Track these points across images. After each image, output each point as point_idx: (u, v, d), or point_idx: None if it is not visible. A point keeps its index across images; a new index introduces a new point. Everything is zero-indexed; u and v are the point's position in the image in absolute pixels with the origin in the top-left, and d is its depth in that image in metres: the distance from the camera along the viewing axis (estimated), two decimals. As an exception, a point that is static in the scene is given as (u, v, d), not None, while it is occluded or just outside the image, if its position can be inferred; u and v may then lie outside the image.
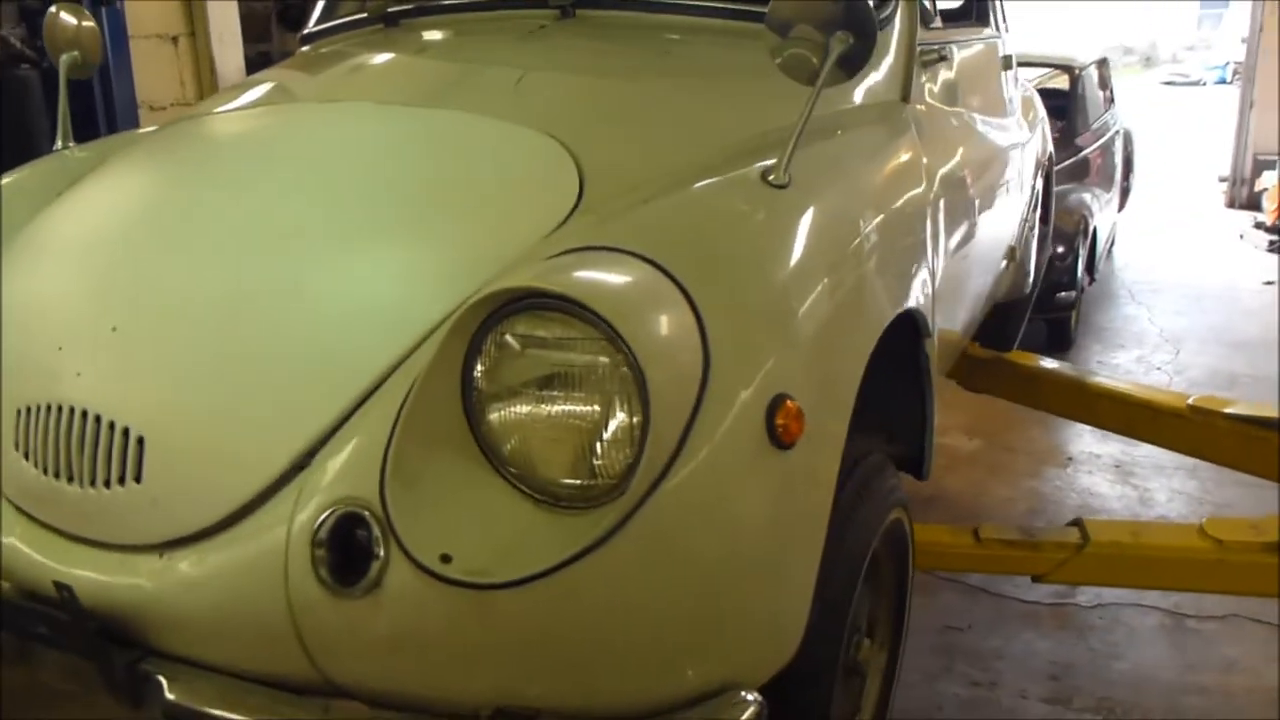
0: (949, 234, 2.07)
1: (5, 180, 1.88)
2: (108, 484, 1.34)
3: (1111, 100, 7.07)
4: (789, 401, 1.27)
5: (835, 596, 1.52)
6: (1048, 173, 3.61)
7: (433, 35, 2.13)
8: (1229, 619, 3.03)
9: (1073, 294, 5.36)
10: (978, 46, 2.67)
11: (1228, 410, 2.70)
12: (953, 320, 2.34)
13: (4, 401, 1.46)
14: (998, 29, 2.92)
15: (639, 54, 1.90)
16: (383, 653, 1.22)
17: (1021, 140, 2.96)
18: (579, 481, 1.22)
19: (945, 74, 2.23)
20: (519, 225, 1.43)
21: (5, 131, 2.72)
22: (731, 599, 1.27)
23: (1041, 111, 3.59)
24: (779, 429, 1.26)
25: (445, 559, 1.17)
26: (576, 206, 1.46)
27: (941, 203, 1.98)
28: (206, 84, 4.03)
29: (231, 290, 1.41)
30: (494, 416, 1.24)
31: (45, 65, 2.93)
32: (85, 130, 2.72)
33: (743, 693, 1.27)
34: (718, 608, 1.26)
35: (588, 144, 1.55)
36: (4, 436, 1.45)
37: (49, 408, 1.39)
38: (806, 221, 1.46)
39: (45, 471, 1.40)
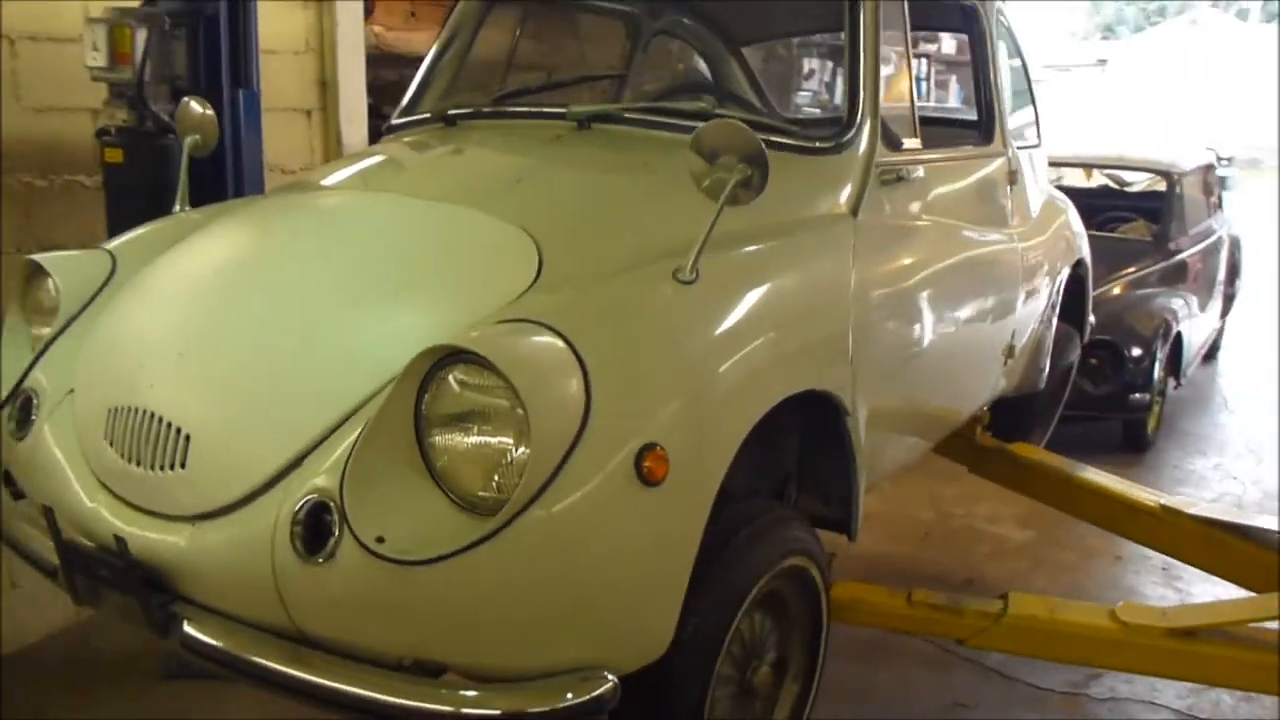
0: (891, 330, 2.44)
1: (130, 235, 2.49)
2: (163, 468, 1.86)
3: (1218, 206, 7.16)
4: (658, 449, 1.68)
5: (714, 615, 1.91)
6: (1077, 275, 3.89)
7: (476, 136, 2.65)
8: (1240, 725, 3.18)
9: (1147, 396, 5.50)
10: (965, 163, 3.04)
11: (1192, 511, 2.92)
12: (913, 406, 2.68)
13: (99, 402, 2.00)
14: (1006, 145, 3.27)
15: (624, 162, 2.37)
16: (334, 608, 1.68)
17: (1024, 246, 3.28)
18: (485, 494, 1.66)
19: (907, 191, 2.60)
20: (483, 298, 1.89)
21: (149, 190, 3.35)
22: (597, 596, 1.67)
23: (1066, 215, 3.88)
24: (646, 469, 1.67)
25: (380, 540, 1.62)
26: (532, 286, 1.92)
27: (876, 302, 2.36)
28: (333, 152, 4.70)
29: (262, 333, 1.93)
30: (434, 439, 1.70)
31: (186, 138, 3.57)
32: (216, 188, 3.36)
33: (604, 672, 1.67)
34: (585, 601, 1.66)
35: (553, 236, 2.02)
36: (97, 429, 1.99)
37: (129, 409, 1.93)
38: (703, 311, 1.88)
39: (122, 456, 1.92)
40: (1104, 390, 5.48)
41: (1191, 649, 2.42)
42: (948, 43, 9.59)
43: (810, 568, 2.20)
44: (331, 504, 1.67)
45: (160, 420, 1.87)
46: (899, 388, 2.57)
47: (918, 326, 2.59)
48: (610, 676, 1.67)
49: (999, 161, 3.22)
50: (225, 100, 3.59)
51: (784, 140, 2.43)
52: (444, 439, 1.69)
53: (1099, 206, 6.90)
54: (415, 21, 7.00)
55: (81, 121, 3.74)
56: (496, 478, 1.65)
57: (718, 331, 1.89)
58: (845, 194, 2.40)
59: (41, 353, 2.22)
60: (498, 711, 1.60)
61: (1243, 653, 2.39)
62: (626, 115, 2.49)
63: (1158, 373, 5.57)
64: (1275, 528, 2.86)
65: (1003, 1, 3.42)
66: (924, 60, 8.45)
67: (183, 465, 1.84)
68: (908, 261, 2.57)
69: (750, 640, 2.11)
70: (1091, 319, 4.39)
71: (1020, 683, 3.44)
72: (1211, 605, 2.81)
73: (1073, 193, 7.12)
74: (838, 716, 3.08)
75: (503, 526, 1.59)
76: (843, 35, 2.54)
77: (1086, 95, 14.98)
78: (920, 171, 2.64)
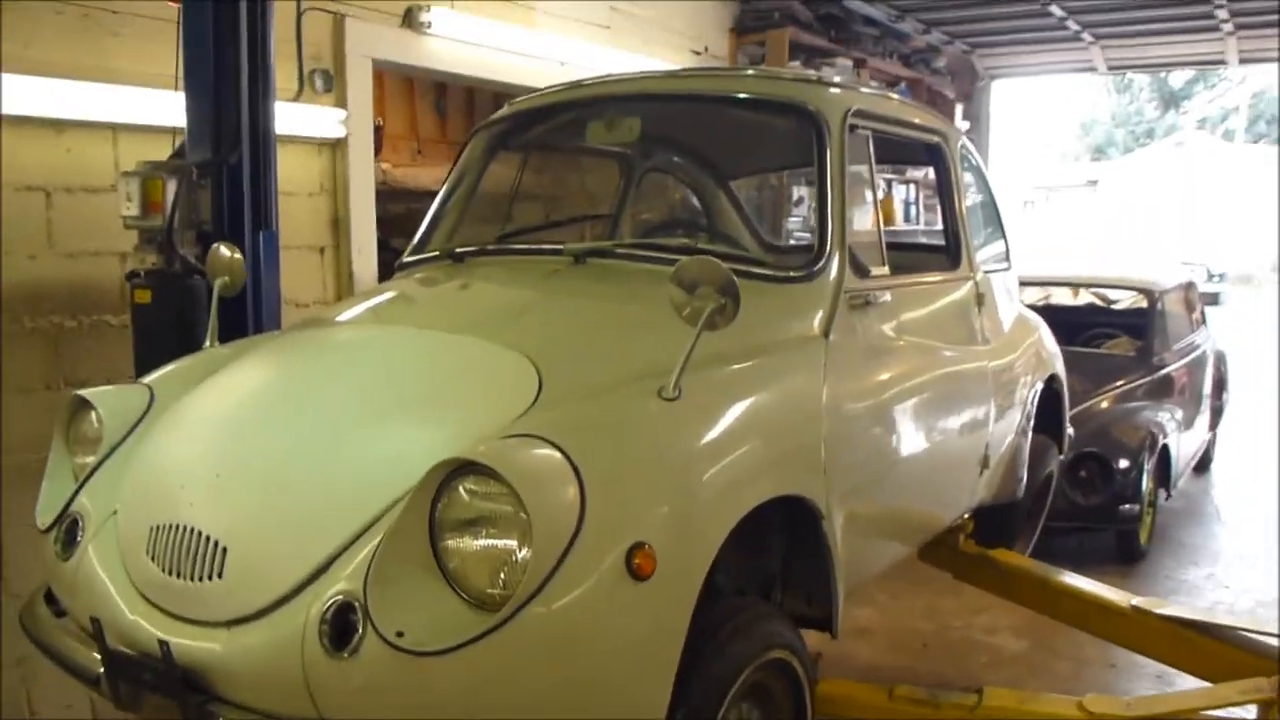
0: (864, 440, 2.70)
1: (165, 370, 2.77)
2: (201, 579, 2.09)
3: (1201, 322, 7.48)
4: (646, 547, 1.92)
5: (702, 703, 2.12)
6: (1052, 389, 4.16)
7: (481, 272, 2.96)
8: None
9: (1136, 507, 5.71)
10: (932, 288, 3.34)
11: (1159, 611, 3.13)
12: (890, 512, 2.92)
13: (142, 521, 2.25)
14: (972, 269, 3.58)
15: (614, 293, 2.67)
16: (358, 698, 1.89)
17: (993, 362, 3.56)
18: (492, 591, 1.89)
19: (876, 314, 2.89)
20: (489, 416, 2.15)
21: (175, 327, 3.65)
22: (593, 682, 1.89)
23: (1038, 334, 4.18)
24: (636, 566, 1.90)
25: (400, 634, 1.85)
26: (533, 405, 2.19)
27: (848, 415, 2.62)
28: (344, 286, 5.04)
29: (289, 454, 2.19)
30: (446, 542, 1.93)
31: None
32: (238, 322, 3.65)
33: (598, 756, 1.87)
34: (582, 687, 1.88)
35: (551, 361, 2.30)
36: (140, 545, 2.23)
37: (171, 526, 2.17)
38: (685, 423, 2.15)
39: (163, 569, 2.16)
40: (1094, 501, 5.69)
41: (1151, 737, 2.61)
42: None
43: (793, 661, 2.41)
44: (356, 604, 1.90)
45: (200, 535, 2.11)
46: (874, 494, 2.81)
47: (890, 438, 2.85)
48: None
49: (966, 284, 3.53)
50: (247, 242, 3.92)
51: (760, 271, 2.73)
52: (455, 542, 1.93)
53: (1084, 324, 7.23)
54: (421, 158, 7.47)
55: (109, 265, 4.08)
56: (503, 576, 1.88)
57: (699, 442, 2.15)
58: (817, 318, 2.69)
59: (86, 479, 2.48)
60: None
61: (1198, 742, 2.59)
62: (617, 251, 2.80)
63: (1146, 484, 5.79)
64: (1236, 624, 3.05)
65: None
66: (912, 185, 8.91)
67: (219, 575, 2.07)
68: (878, 378, 2.84)
69: (738, 728, 2.31)
70: (1070, 430, 4.64)
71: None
72: (1170, 695, 3.00)
73: (1059, 310, 7.51)
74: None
75: (507, 619, 1.82)
76: (812, 172, 2.87)
77: (1077, 215, 15.56)
78: (887, 296, 2.94)
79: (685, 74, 3.19)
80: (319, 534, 2.03)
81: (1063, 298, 7.64)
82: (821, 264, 2.74)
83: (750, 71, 3.21)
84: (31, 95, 3.86)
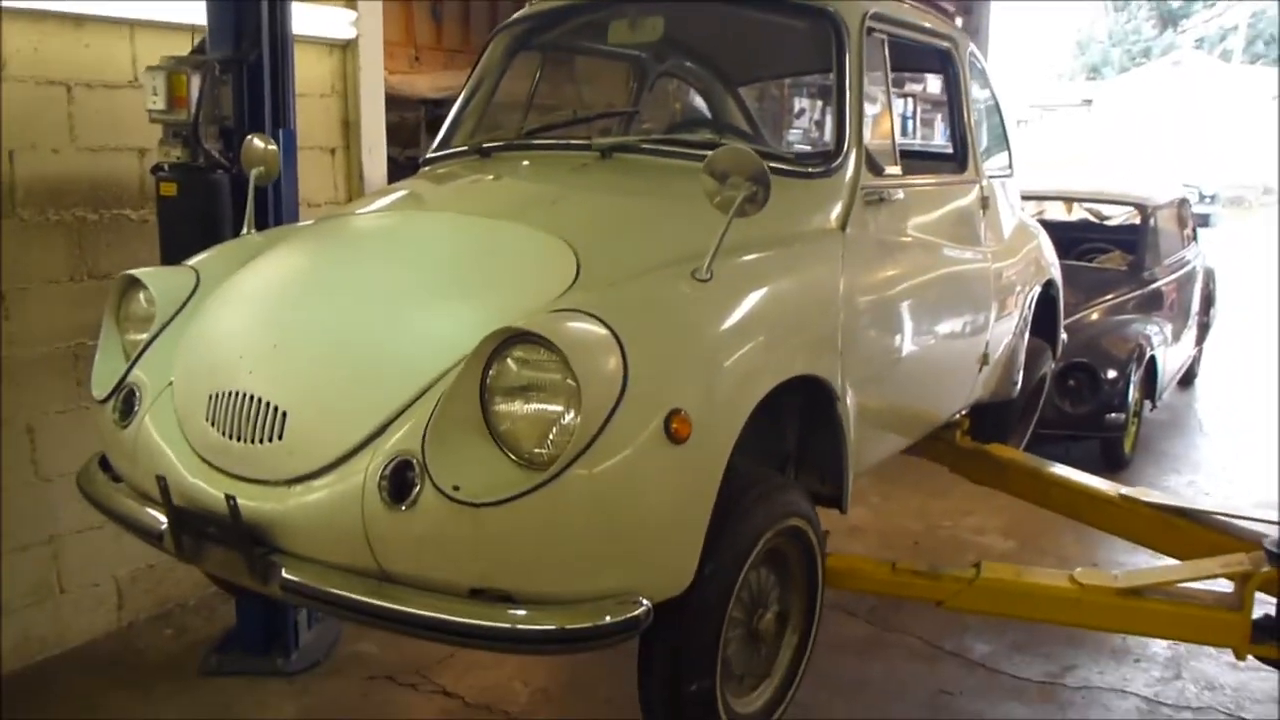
0: (875, 330, 2.89)
1: (206, 254, 2.92)
2: (262, 441, 2.26)
3: (1192, 238, 7.66)
4: (682, 413, 2.10)
5: (728, 559, 2.33)
6: (1049, 295, 4.35)
7: (509, 165, 3.10)
8: (1204, 710, 3.56)
9: (1122, 416, 5.94)
10: (941, 189, 3.50)
11: (1147, 499, 3.36)
12: (895, 401, 3.12)
13: (201, 390, 2.41)
14: (978, 174, 3.74)
15: (644, 184, 2.82)
16: (416, 548, 2.08)
17: (995, 264, 3.74)
18: (541, 451, 2.07)
19: (889, 211, 3.06)
20: (532, 295, 2.32)
21: (199, 220, 3.77)
22: (632, 534, 2.08)
23: (1037, 240, 4.35)
24: (674, 430, 2.09)
25: (455, 488, 2.03)
26: (573, 285, 2.35)
27: (862, 305, 2.80)
28: (355, 187, 5.15)
29: (344, 326, 2.35)
30: (497, 407, 2.11)
31: (235, 172, 4.01)
32: (259, 216, 3.78)
33: (640, 598, 2.07)
34: (621, 539, 2.07)
35: (588, 245, 2.46)
36: (199, 412, 2.39)
37: (230, 393, 2.34)
38: (716, 303, 2.32)
39: (223, 434, 2.33)
40: (1081, 410, 5.91)
41: (1138, 605, 2.84)
42: (934, 83, 10.18)
43: (808, 530, 2.62)
44: (414, 461, 2.08)
45: (260, 400, 2.28)
46: (883, 383, 3.00)
47: (899, 329, 3.04)
48: (644, 601, 2.07)
49: (972, 188, 3.69)
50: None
51: (784, 166, 2.88)
52: (506, 407, 2.10)
53: (1078, 239, 7.41)
54: (419, 66, 7.50)
55: (129, 160, 4.18)
56: (550, 438, 2.06)
57: (730, 320, 2.32)
58: (835, 212, 2.85)
59: (141, 353, 2.64)
60: (548, 627, 2.00)
61: (1179, 608, 2.82)
62: (643, 146, 2.94)
63: (1132, 394, 6.01)
64: (1217, 510, 3.28)
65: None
66: (910, 99, 8.99)
67: (280, 437, 2.24)
68: (890, 273, 3.02)
69: (757, 590, 2.53)
70: (1064, 336, 4.84)
71: (1002, 674, 3.83)
72: (1154, 569, 3.24)
73: (1054, 225, 7.66)
74: (834, 703, 3.49)
75: (555, 476, 2.00)
76: (830, 75, 3.01)
77: (1072, 134, 15.65)
78: (900, 194, 3.10)
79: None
80: (375, 399, 2.20)
81: (1057, 213, 7.80)
82: (839, 160, 2.89)
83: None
84: (49, -13, 3.92)
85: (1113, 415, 5.93)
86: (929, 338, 3.24)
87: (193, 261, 2.88)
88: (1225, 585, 2.99)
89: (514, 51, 3.57)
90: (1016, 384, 4.09)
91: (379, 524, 2.10)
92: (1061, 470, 3.81)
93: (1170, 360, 6.76)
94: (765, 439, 2.81)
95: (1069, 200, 7.69)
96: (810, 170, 2.90)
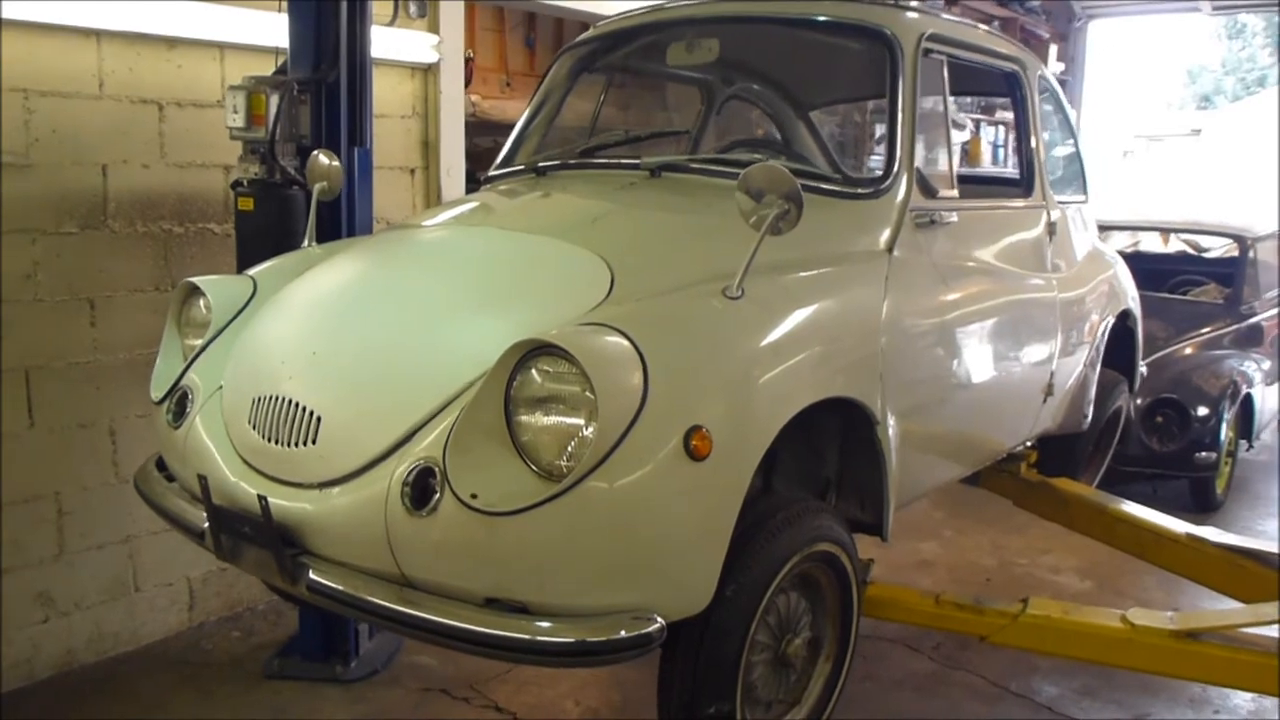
0: (923, 354, 2.82)
1: (266, 265, 3.00)
2: (297, 444, 2.31)
3: (1296, 272, 7.32)
4: (703, 430, 2.08)
5: (752, 581, 2.29)
6: (1125, 325, 4.20)
7: (561, 183, 3.13)
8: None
9: (1213, 455, 5.69)
10: (1003, 213, 3.42)
11: (1215, 539, 3.20)
12: (945, 428, 3.04)
13: (245, 394, 2.48)
14: (1045, 199, 3.64)
15: (686, 204, 2.81)
16: (434, 554, 2.10)
17: (1063, 293, 3.62)
18: (560, 462, 2.07)
19: (942, 234, 2.99)
20: (564, 309, 2.32)
21: (274, 234, 3.88)
22: (648, 550, 2.06)
23: (1114, 270, 4.21)
24: (693, 447, 2.07)
25: (473, 496, 2.05)
26: (605, 300, 2.35)
27: (908, 328, 2.74)
28: (433, 207, 5.26)
29: (380, 336, 2.40)
30: (520, 418, 2.12)
31: (309, 189, 4.12)
32: (333, 233, 3.88)
33: (653, 615, 2.05)
34: (638, 553, 2.06)
35: (624, 261, 2.47)
36: (242, 415, 2.46)
37: (271, 398, 2.40)
38: (747, 322, 2.29)
39: (263, 436, 2.39)
40: (1170, 448, 5.68)
41: (1194, 649, 2.69)
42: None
43: (841, 556, 2.56)
44: (436, 469, 2.10)
45: (297, 405, 2.33)
46: (931, 409, 2.93)
47: (950, 355, 2.96)
48: (658, 619, 2.05)
49: (1039, 214, 3.59)
50: (343, 157, 4.14)
51: (830, 187, 2.85)
52: (528, 418, 2.11)
53: (1172, 271, 7.15)
54: (510, 91, 7.62)
55: (215, 177, 4.34)
56: (570, 450, 2.06)
57: (759, 339, 2.30)
58: (883, 234, 2.80)
59: (196, 357, 2.73)
60: (559, 639, 2.00)
61: (1239, 654, 2.66)
62: (692, 165, 2.94)
63: (1225, 433, 5.76)
64: (1281, 552, 3.12)
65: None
66: (1000, 127, 8.82)
67: (314, 442, 2.29)
68: (942, 297, 2.95)
69: (785, 614, 2.48)
70: (1143, 368, 4.67)
71: (1067, 718, 3.68)
72: (1213, 611, 3.07)
73: (1148, 257, 7.43)
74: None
75: (570, 487, 2.00)
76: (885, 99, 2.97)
77: (1180, 165, 15.13)
78: (954, 217, 3.03)
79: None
80: (404, 407, 2.23)
81: (1153, 245, 7.55)
82: (889, 182, 2.84)
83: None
84: (146, 13, 4.10)
85: (1203, 454, 5.68)
86: (985, 366, 3.16)
87: (254, 271, 2.97)
88: (1290, 630, 2.83)
89: (578, 73, 3.61)
90: (1086, 417, 3.95)
91: (400, 529, 2.12)
92: (1127, 506, 3.66)
93: (1269, 399, 6.46)
94: (806, 462, 2.77)
95: (1163, 231, 7.43)
96: (859, 191, 2.86)
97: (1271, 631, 2.69)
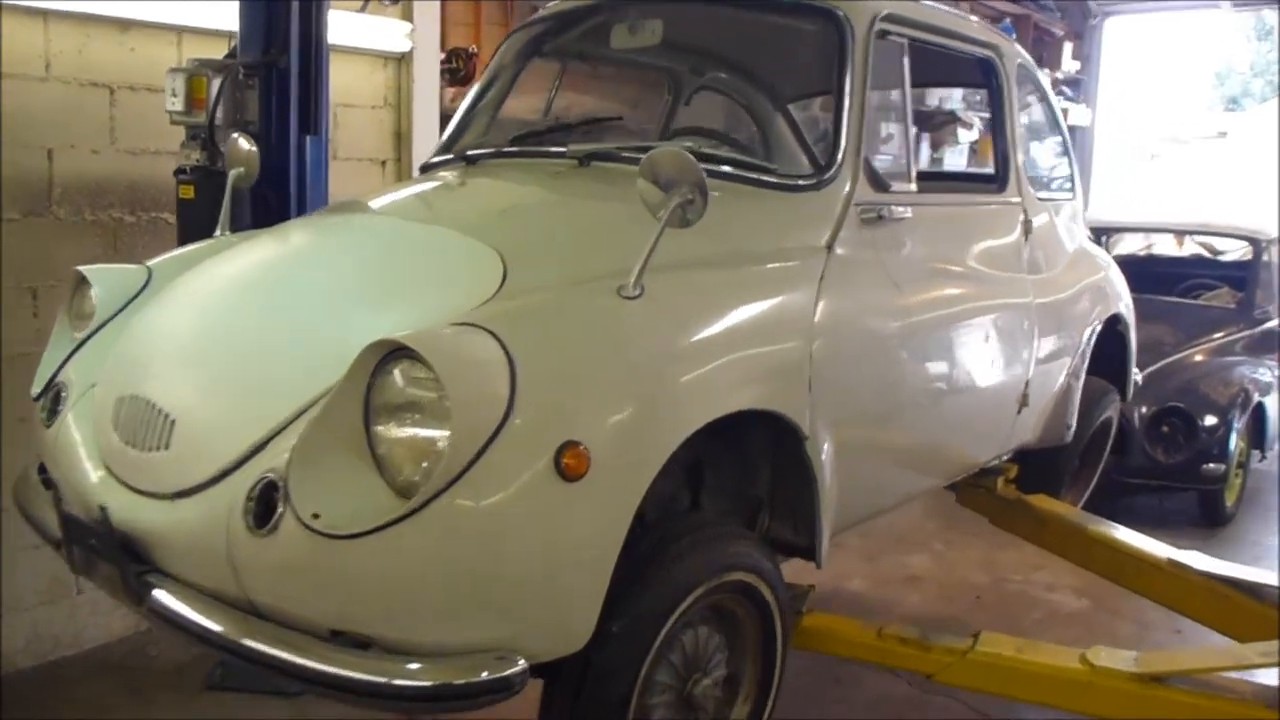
0: (864, 362, 2.50)
1: (170, 254, 2.75)
2: (152, 449, 2.05)
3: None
4: (579, 447, 1.79)
5: (645, 616, 1.99)
6: (1113, 330, 3.85)
7: (487, 172, 2.84)
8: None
9: (1221, 467, 5.31)
10: (969, 210, 3.08)
11: (1197, 566, 2.85)
12: (898, 439, 2.72)
13: (112, 393, 2.22)
14: (1021, 195, 3.29)
15: (606, 193, 2.51)
16: (273, 578, 1.83)
17: (1041, 296, 3.28)
18: (416, 479, 1.79)
19: (893, 231, 2.67)
20: (447, 306, 2.04)
21: (216, 223, 3.64)
22: (512, 582, 1.77)
23: (1104, 272, 3.85)
24: (565, 465, 1.78)
25: (315, 516, 1.77)
26: (493, 297, 2.07)
27: (846, 333, 2.43)
28: (408, 200, 5.00)
29: (251, 334, 2.13)
30: (377, 427, 1.84)
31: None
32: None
33: (517, 656, 1.76)
34: (499, 585, 1.77)
35: (523, 254, 2.18)
36: (107, 416, 2.20)
37: (133, 397, 2.14)
38: (644, 324, 2.00)
39: (123, 439, 2.13)
40: (1176, 459, 5.32)
41: (1158, 694, 2.35)
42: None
43: (760, 586, 2.25)
44: (280, 482, 1.83)
45: (153, 406, 2.07)
46: (876, 421, 2.61)
47: (899, 362, 2.64)
48: (519, 660, 1.76)
49: (1013, 211, 3.25)
50: (293, 145, 3.88)
51: (764, 177, 2.54)
52: (385, 428, 1.83)
53: (1184, 274, 6.76)
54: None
55: (168, 164, 4.09)
56: (425, 465, 1.78)
57: (656, 343, 2.00)
58: (822, 230, 2.49)
59: (74, 351, 2.47)
60: (403, 683, 1.71)
61: (1207, 701, 2.32)
62: (622, 154, 2.64)
63: (1235, 443, 5.38)
64: (1276, 582, 2.77)
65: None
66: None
67: (167, 447, 2.03)
68: (893, 297, 2.63)
69: (693, 652, 2.17)
70: (1139, 376, 4.31)
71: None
72: (1183, 653, 2.73)
73: (1160, 260, 7.03)
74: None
75: (420, 507, 1.72)
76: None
77: (1206, 168, 14.59)
78: (907, 212, 2.70)
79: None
80: (263, 411, 1.97)
81: (1167, 248, 7.16)
82: (831, 174, 2.53)
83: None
84: (97, -7, 3.87)
85: (1211, 466, 5.30)
86: (945, 374, 2.83)
87: (152, 261, 2.71)
88: (1270, 675, 2.48)
89: (526, 57, 3.32)
90: (1070, 429, 3.60)
91: (242, 549, 1.85)
92: (1107, 528, 3.31)
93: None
94: (736, 479, 2.47)
95: (1175, 233, 7.03)
96: (798, 183, 2.54)
97: (1252, 675, 2.35)
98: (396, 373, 1.84)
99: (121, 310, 2.52)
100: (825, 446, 2.35)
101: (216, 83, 3.66)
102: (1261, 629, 2.71)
